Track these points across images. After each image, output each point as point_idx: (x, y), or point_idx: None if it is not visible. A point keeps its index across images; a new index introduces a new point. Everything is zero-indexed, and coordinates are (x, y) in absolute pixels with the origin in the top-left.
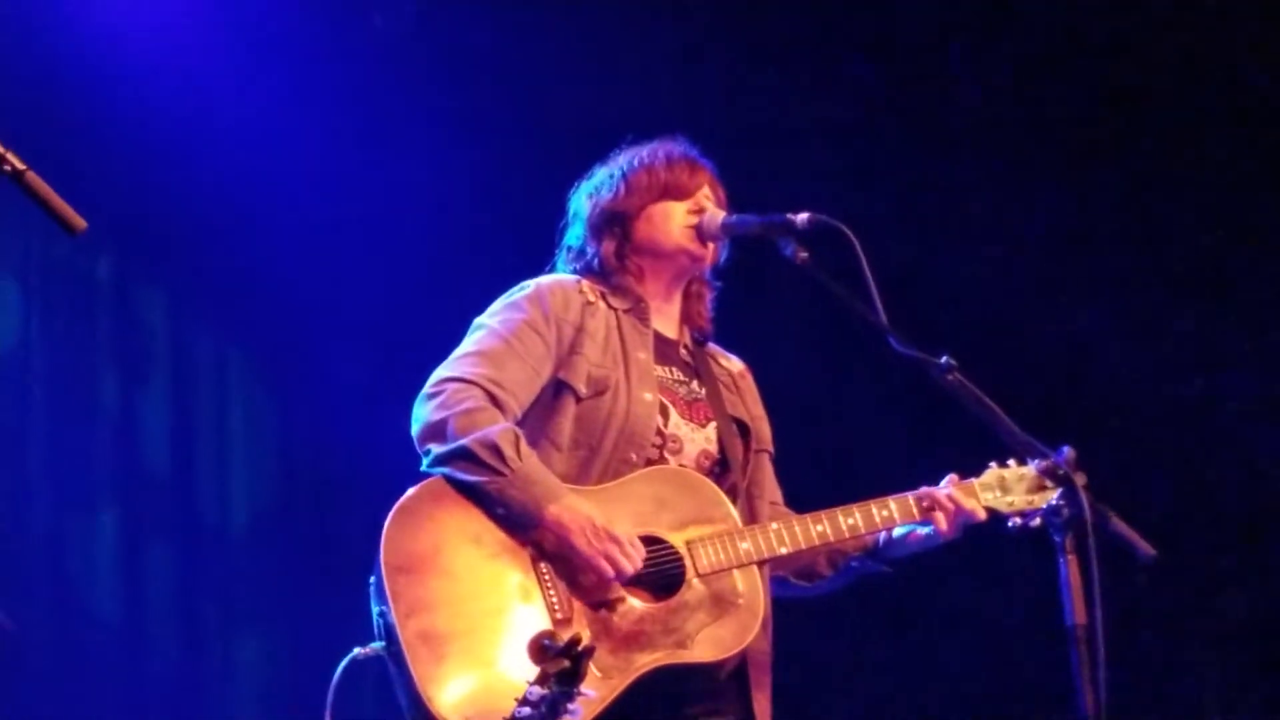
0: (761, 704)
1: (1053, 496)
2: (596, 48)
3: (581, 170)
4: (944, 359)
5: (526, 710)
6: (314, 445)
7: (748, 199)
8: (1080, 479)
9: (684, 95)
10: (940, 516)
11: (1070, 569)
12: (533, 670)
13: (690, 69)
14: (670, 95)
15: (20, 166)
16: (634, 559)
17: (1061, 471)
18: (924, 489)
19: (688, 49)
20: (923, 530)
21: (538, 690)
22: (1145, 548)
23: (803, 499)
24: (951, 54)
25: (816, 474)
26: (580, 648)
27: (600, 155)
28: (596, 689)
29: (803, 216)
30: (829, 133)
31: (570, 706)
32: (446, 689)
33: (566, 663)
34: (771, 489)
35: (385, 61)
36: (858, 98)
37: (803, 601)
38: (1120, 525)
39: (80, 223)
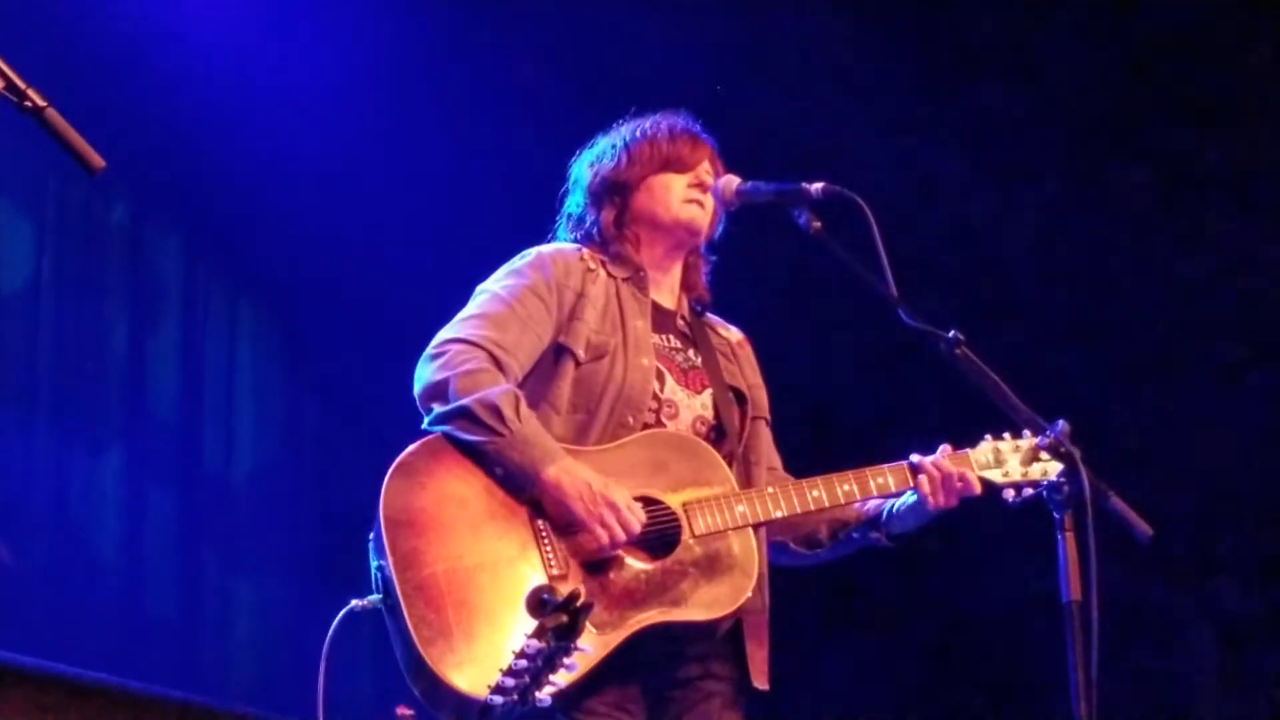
0: (758, 659)
1: (1052, 472)
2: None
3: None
4: (951, 333)
5: (523, 663)
6: (320, 397)
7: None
8: (1078, 453)
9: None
10: (925, 481)
11: (1068, 546)
12: (529, 624)
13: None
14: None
15: (41, 103)
16: (630, 523)
17: (1064, 449)
18: (916, 457)
19: None
20: (917, 500)
21: (535, 644)
22: (1143, 527)
23: (802, 469)
24: None
25: (816, 444)
26: (579, 603)
27: (607, 124)
28: (591, 645)
29: (817, 186)
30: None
31: (566, 661)
32: (442, 642)
33: (564, 617)
34: (769, 455)
35: (400, 17)
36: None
37: (803, 569)
38: (1119, 504)
39: (99, 161)
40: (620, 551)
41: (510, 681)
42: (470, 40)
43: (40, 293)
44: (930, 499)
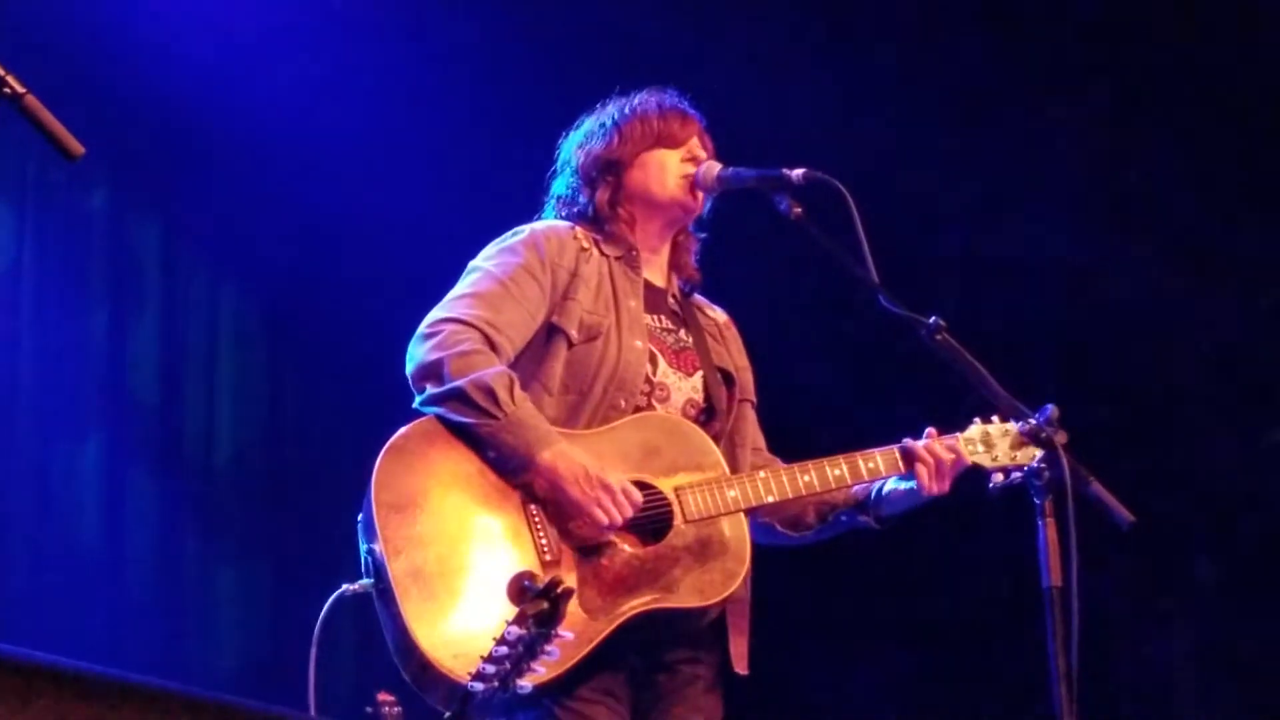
0: (739, 648)
1: (1036, 456)
2: None
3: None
4: (933, 319)
5: (503, 650)
6: (303, 381)
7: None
8: (1062, 438)
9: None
10: (922, 469)
11: (1048, 531)
12: (514, 611)
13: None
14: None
15: (20, 89)
16: (625, 507)
17: (1044, 435)
18: (908, 441)
19: None
20: (909, 485)
21: (515, 630)
22: (1124, 514)
23: (788, 453)
24: None
25: (800, 428)
26: (559, 590)
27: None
28: (582, 631)
29: (798, 172)
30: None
31: (548, 648)
32: (432, 626)
33: (545, 604)
34: (754, 436)
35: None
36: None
37: (788, 550)
38: (1100, 490)
39: (78, 148)
40: (613, 537)
41: (491, 668)
42: (449, 22)
43: (20, 279)
44: (927, 485)
